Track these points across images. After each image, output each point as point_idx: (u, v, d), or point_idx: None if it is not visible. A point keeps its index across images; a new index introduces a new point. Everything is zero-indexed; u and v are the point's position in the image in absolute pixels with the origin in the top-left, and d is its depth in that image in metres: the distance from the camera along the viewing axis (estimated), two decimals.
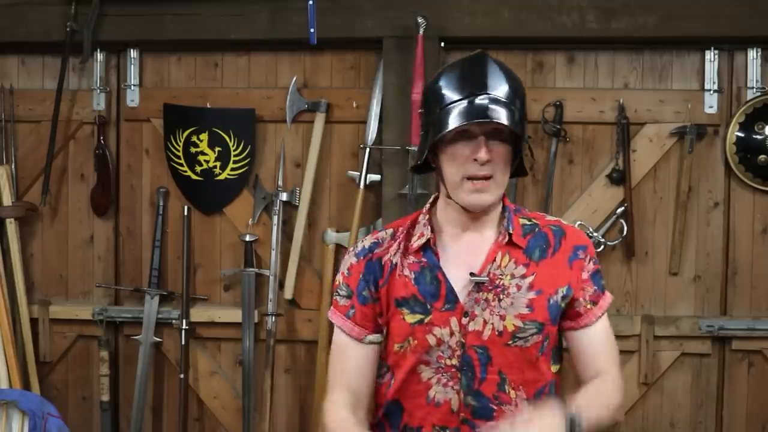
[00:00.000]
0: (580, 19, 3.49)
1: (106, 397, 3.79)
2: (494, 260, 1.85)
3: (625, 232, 3.58)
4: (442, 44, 3.53)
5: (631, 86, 3.62)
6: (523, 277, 1.84)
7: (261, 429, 3.70)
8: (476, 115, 1.77)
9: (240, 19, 3.63)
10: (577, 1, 3.48)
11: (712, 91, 3.55)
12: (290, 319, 3.75)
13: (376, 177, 3.63)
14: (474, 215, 1.86)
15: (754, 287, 3.60)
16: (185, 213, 3.75)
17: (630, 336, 3.58)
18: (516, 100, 1.81)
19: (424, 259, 1.87)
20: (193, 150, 3.75)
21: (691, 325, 3.56)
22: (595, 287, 1.90)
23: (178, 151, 3.76)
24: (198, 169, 3.76)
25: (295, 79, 3.67)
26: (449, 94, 1.81)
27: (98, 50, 3.77)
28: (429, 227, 1.89)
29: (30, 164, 3.86)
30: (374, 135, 3.63)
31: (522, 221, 1.91)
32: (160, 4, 3.65)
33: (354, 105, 3.67)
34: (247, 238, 3.72)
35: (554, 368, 1.91)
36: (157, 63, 3.84)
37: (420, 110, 1.91)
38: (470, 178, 1.80)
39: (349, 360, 1.93)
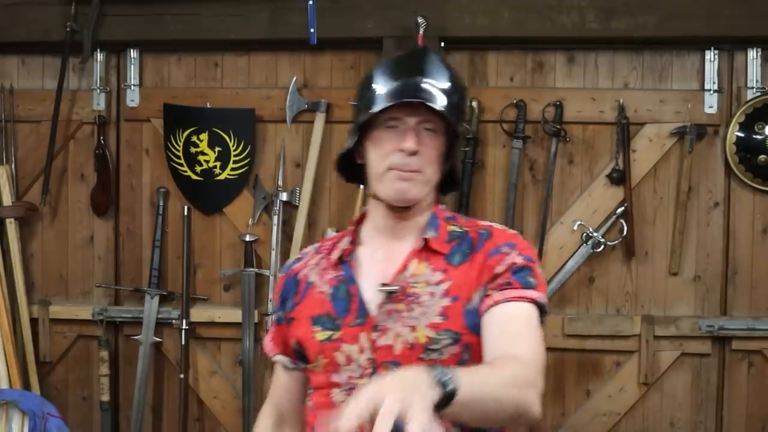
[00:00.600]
0: (580, 19, 3.49)
1: (106, 397, 3.79)
2: (406, 268, 1.67)
3: (625, 232, 3.58)
4: (442, 44, 3.53)
5: (631, 86, 3.62)
6: (438, 283, 1.65)
7: None
8: (405, 94, 1.62)
9: (240, 19, 3.63)
10: (577, 1, 3.48)
11: (712, 91, 3.55)
12: None
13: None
14: (398, 217, 1.70)
15: (754, 287, 3.60)
16: (185, 213, 3.75)
17: (630, 336, 3.58)
18: (454, 94, 1.67)
19: (341, 273, 1.72)
20: (193, 150, 3.75)
21: (691, 325, 3.56)
22: (513, 277, 1.62)
23: (178, 151, 3.76)
24: (198, 169, 3.76)
25: (295, 79, 3.67)
26: (382, 80, 1.67)
27: (98, 50, 3.77)
28: (349, 239, 1.75)
29: (30, 164, 3.86)
30: None
31: (451, 228, 1.73)
32: (160, 4, 3.65)
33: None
34: (247, 238, 3.72)
35: None
36: (157, 63, 3.84)
37: (352, 102, 1.77)
38: (393, 168, 1.64)
39: (276, 375, 1.87)
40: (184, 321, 3.72)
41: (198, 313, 3.76)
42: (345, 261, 1.73)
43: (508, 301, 1.60)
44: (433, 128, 1.66)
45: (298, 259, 1.83)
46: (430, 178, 1.67)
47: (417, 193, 1.67)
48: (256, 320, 3.70)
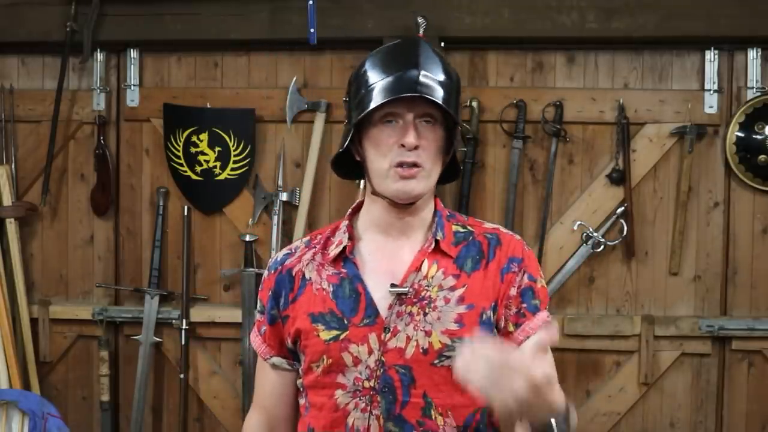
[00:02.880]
0: (580, 19, 3.49)
1: (106, 397, 3.79)
2: (419, 269, 1.63)
3: (625, 232, 3.58)
4: (442, 44, 3.53)
5: (631, 86, 3.62)
6: (453, 289, 1.63)
7: None
8: (404, 89, 1.56)
9: (240, 19, 3.63)
10: (577, 1, 3.49)
11: (712, 91, 3.55)
12: None
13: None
14: (401, 213, 1.66)
15: (754, 287, 3.60)
16: (185, 213, 3.75)
17: (630, 336, 3.58)
18: (451, 84, 1.62)
19: (344, 270, 1.66)
20: (193, 150, 3.75)
21: (691, 325, 3.56)
22: (524, 305, 1.66)
23: (178, 151, 3.76)
24: (198, 169, 3.76)
25: (295, 79, 3.67)
26: (374, 74, 1.62)
27: (98, 50, 3.77)
28: (347, 234, 1.69)
29: (30, 164, 3.86)
30: None
31: (455, 228, 1.70)
32: (160, 4, 3.65)
33: None
34: (247, 238, 3.72)
35: None
36: (157, 63, 3.84)
37: (344, 99, 1.70)
38: (398, 166, 1.60)
39: (265, 380, 1.77)
40: (184, 321, 3.72)
41: (198, 313, 3.76)
42: (347, 258, 1.67)
43: (527, 337, 1.63)
44: (431, 120, 1.62)
45: (289, 254, 1.74)
46: (430, 172, 1.63)
47: (421, 189, 1.63)
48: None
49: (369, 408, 1.61)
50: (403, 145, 1.59)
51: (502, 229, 1.74)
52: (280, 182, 3.71)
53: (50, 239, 3.92)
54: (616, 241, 3.59)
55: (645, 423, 3.65)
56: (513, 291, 1.66)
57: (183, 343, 3.72)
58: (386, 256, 1.67)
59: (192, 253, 3.81)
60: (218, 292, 3.83)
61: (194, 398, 3.83)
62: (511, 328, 1.66)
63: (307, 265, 1.71)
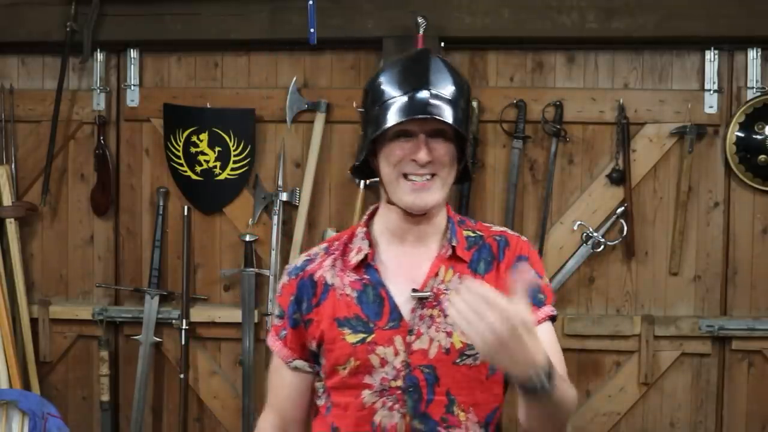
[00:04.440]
0: (580, 19, 3.49)
1: (106, 397, 3.79)
2: (436, 274, 1.73)
3: (625, 232, 3.58)
4: (442, 44, 3.53)
5: (631, 86, 3.62)
6: None
7: None
8: (415, 111, 1.66)
9: (240, 19, 3.63)
10: (577, 1, 3.49)
11: (712, 91, 3.55)
12: None
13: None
14: (416, 221, 1.75)
15: (754, 287, 3.60)
16: (185, 213, 3.75)
17: (630, 336, 3.58)
18: (460, 99, 1.71)
19: (366, 276, 1.75)
20: (193, 150, 3.75)
21: (691, 325, 3.56)
22: (531, 300, 1.70)
23: (178, 151, 3.76)
24: (198, 169, 3.76)
25: (295, 79, 3.67)
26: (389, 90, 1.70)
27: (98, 50, 3.77)
28: (367, 241, 1.77)
29: (30, 164, 3.86)
30: None
31: (466, 233, 1.80)
32: (160, 4, 3.65)
33: (354, 105, 3.67)
34: (247, 238, 3.72)
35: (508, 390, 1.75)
36: (157, 63, 3.84)
37: (360, 109, 1.80)
38: (407, 176, 1.69)
39: (282, 383, 1.83)
40: (184, 321, 3.72)
41: (198, 313, 3.77)
42: (369, 264, 1.76)
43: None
44: (443, 137, 1.70)
45: (309, 261, 1.82)
46: (445, 182, 1.72)
47: (433, 199, 1.71)
48: (256, 320, 3.70)
49: (396, 406, 1.70)
50: (415, 160, 1.68)
51: (509, 231, 1.83)
52: (280, 182, 3.71)
53: (50, 239, 3.92)
54: (616, 241, 3.59)
55: (645, 423, 3.65)
56: None
57: (183, 343, 3.72)
58: (405, 263, 1.76)
59: (192, 253, 3.81)
60: (218, 292, 3.83)
61: (194, 398, 3.83)
62: None
63: (327, 271, 1.78)
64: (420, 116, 1.65)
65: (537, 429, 1.60)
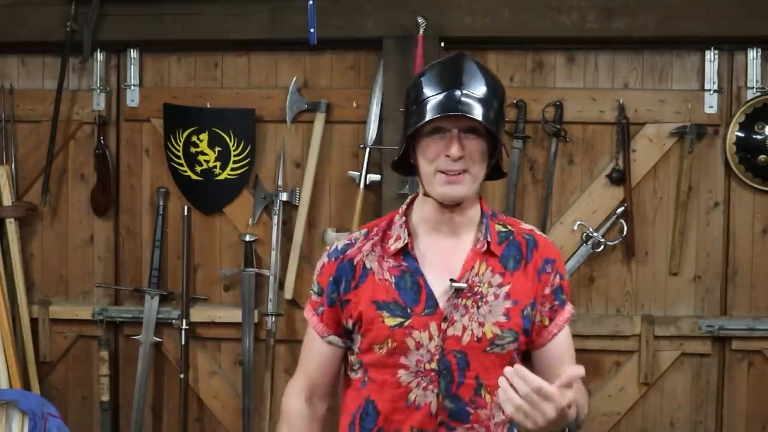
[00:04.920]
0: (580, 19, 3.49)
1: (106, 397, 3.79)
2: (472, 267, 1.87)
3: (625, 232, 3.58)
4: (442, 44, 3.53)
5: (631, 86, 3.63)
6: (500, 286, 1.87)
7: (261, 429, 3.71)
8: (447, 108, 1.78)
9: (240, 19, 3.63)
10: (577, 1, 3.49)
11: (712, 91, 3.55)
12: (290, 319, 3.75)
13: (376, 177, 3.63)
14: (451, 214, 1.88)
15: (754, 287, 3.60)
16: (185, 213, 3.75)
17: (630, 336, 3.58)
18: (493, 100, 1.82)
19: (404, 264, 1.88)
20: (193, 150, 3.75)
21: (691, 325, 3.56)
22: (556, 302, 1.92)
23: (178, 151, 3.76)
24: (198, 169, 3.76)
25: (295, 79, 3.68)
26: (425, 90, 1.84)
27: (98, 50, 3.77)
28: (406, 230, 1.90)
29: (30, 164, 3.86)
30: (374, 135, 3.63)
31: (498, 227, 1.93)
32: (160, 4, 3.65)
33: (354, 105, 3.67)
34: (247, 238, 3.72)
35: None
36: (157, 63, 3.84)
37: (401, 109, 1.92)
38: (442, 172, 1.82)
39: (314, 353, 1.99)
40: (184, 321, 3.72)
41: (198, 313, 3.77)
42: (408, 252, 1.88)
43: (560, 330, 1.93)
44: (476, 134, 1.81)
45: (349, 245, 1.94)
46: (476, 176, 1.84)
47: (464, 192, 1.83)
48: (256, 320, 3.70)
49: (430, 387, 1.86)
50: (448, 156, 1.80)
51: (536, 230, 1.97)
52: (280, 182, 3.71)
53: (50, 239, 3.92)
54: (616, 241, 3.59)
55: (645, 423, 3.65)
56: (548, 290, 1.91)
57: (183, 343, 3.72)
58: (441, 253, 1.89)
59: (192, 253, 3.81)
60: (218, 292, 3.84)
61: (194, 398, 3.83)
62: (546, 323, 1.92)
63: (367, 255, 1.91)
64: (451, 113, 1.77)
65: None
